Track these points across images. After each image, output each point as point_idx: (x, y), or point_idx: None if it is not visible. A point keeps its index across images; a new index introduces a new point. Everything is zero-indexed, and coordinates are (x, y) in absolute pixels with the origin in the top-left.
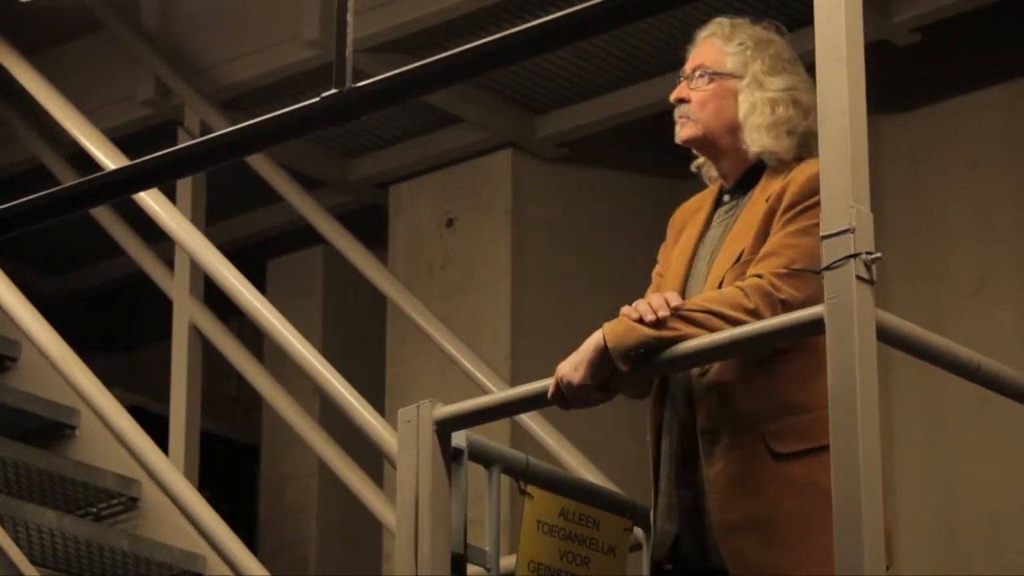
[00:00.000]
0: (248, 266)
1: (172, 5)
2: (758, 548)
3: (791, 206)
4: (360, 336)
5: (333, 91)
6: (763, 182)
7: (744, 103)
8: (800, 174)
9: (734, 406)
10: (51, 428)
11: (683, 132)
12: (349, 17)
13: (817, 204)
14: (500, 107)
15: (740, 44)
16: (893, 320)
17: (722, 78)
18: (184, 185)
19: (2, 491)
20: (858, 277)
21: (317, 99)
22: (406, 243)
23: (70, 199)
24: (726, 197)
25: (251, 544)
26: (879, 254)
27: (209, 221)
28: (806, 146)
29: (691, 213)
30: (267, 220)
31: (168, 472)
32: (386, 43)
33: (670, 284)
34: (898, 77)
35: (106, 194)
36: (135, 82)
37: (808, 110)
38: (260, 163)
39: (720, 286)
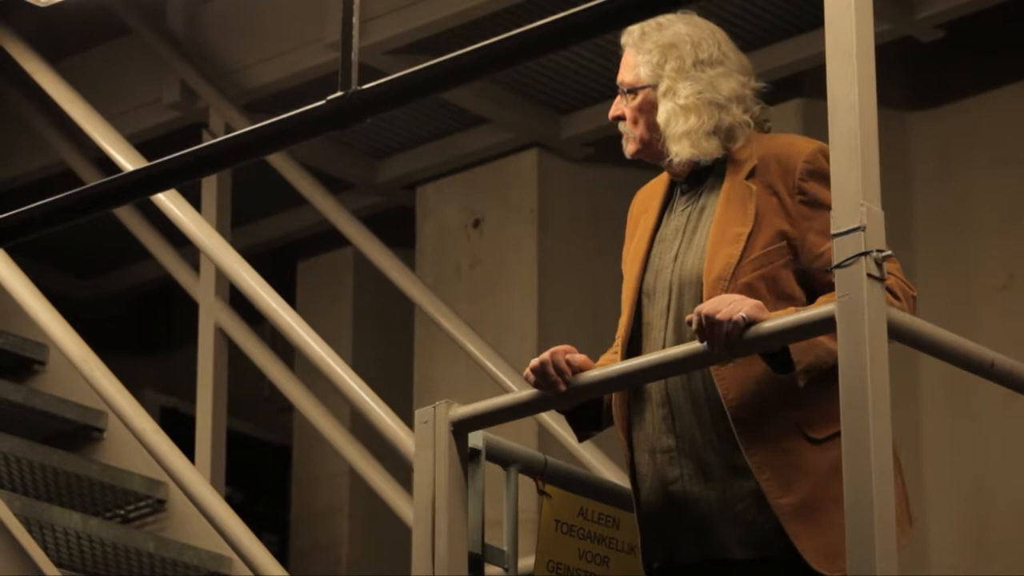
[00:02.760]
0: (278, 268)
1: (197, 9)
2: (813, 530)
3: (814, 188)
4: (390, 337)
5: (339, 94)
6: (729, 166)
7: (661, 115)
8: (788, 150)
9: (762, 396)
10: (79, 431)
11: (627, 148)
12: (355, 20)
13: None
14: (525, 107)
15: (648, 52)
16: (904, 317)
17: (643, 91)
18: (209, 190)
19: (30, 494)
20: (869, 275)
21: (322, 102)
22: (433, 244)
23: (84, 201)
24: (683, 186)
25: (283, 545)
26: (889, 252)
27: (239, 223)
28: (744, 132)
29: (645, 203)
30: (297, 222)
31: (190, 474)
32: (411, 44)
33: (627, 277)
34: (924, 74)
35: (119, 197)
36: (161, 86)
37: (726, 104)
38: (285, 166)
39: (734, 274)
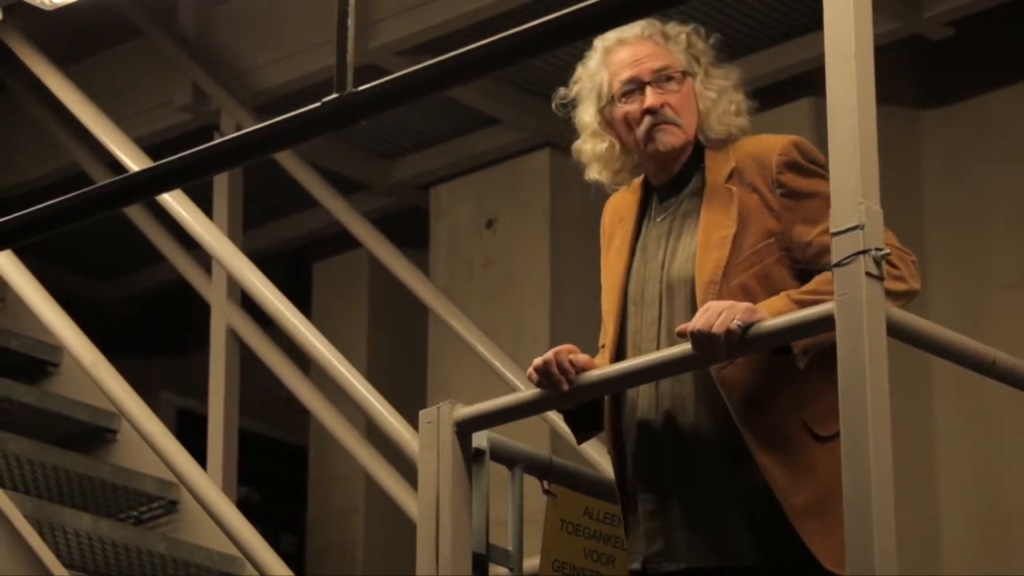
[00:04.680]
0: (294, 270)
1: (208, 11)
2: (825, 530)
3: (792, 180)
4: (406, 337)
5: (334, 96)
6: (707, 171)
7: (708, 95)
8: (762, 147)
9: (767, 395)
10: (92, 433)
11: (671, 139)
12: (350, 22)
13: (813, 169)
14: (537, 107)
15: (682, 40)
16: (904, 316)
17: (686, 77)
18: (220, 193)
19: (43, 496)
20: (867, 273)
21: (318, 104)
22: (447, 244)
23: (89, 202)
24: (662, 193)
25: (300, 545)
26: (888, 250)
27: (255, 225)
28: (748, 111)
29: (619, 213)
30: (312, 223)
31: (198, 476)
32: (420, 45)
33: (609, 287)
34: (933, 72)
35: (120, 198)
36: (172, 88)
37: (737, 86)
38: (297, 168)
39: (724, 275)
